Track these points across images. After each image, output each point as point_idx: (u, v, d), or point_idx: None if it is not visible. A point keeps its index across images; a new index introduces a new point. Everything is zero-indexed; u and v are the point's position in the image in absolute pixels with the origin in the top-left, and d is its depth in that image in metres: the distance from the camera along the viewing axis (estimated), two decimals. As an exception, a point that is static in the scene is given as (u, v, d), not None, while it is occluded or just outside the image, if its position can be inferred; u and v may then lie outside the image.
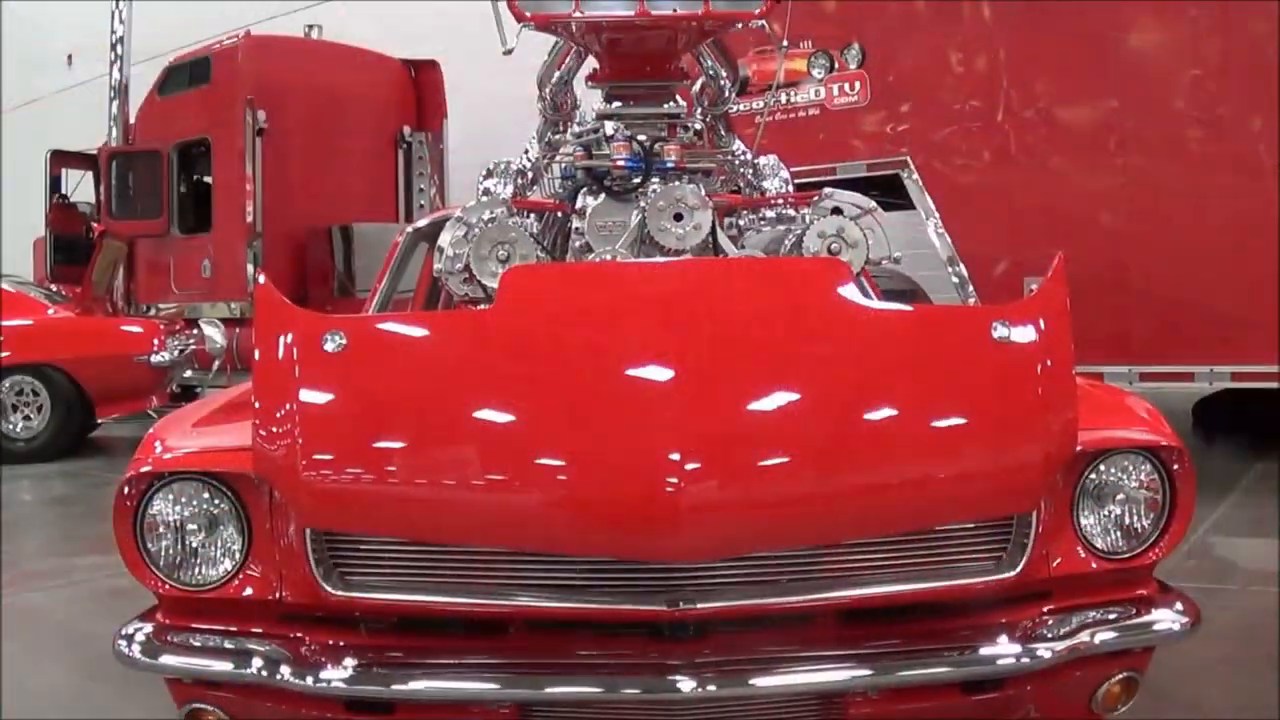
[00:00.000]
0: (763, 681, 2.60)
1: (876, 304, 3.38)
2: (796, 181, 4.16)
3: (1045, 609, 2.81)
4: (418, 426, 2.67)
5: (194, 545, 2.79)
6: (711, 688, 2.55)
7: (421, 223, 4.77)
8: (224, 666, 2.73)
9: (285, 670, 2.65)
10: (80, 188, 13.29)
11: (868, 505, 2.63)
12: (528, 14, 3.39)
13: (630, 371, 2.63)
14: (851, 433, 2.64)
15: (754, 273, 3.15)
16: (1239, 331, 6.76)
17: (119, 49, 12.58)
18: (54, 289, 11.74)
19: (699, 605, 2.59)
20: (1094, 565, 2.82)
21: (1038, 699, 2.77)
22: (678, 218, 3.53)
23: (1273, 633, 4.28)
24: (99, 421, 10.01)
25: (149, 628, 2.83)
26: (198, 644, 2.78)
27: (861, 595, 2.69)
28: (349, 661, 2.67)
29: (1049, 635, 2.72)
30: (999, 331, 2.70)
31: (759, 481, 2.54)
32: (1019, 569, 2.71)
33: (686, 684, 2.54)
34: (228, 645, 2.77)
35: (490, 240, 3.40)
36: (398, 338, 2.90)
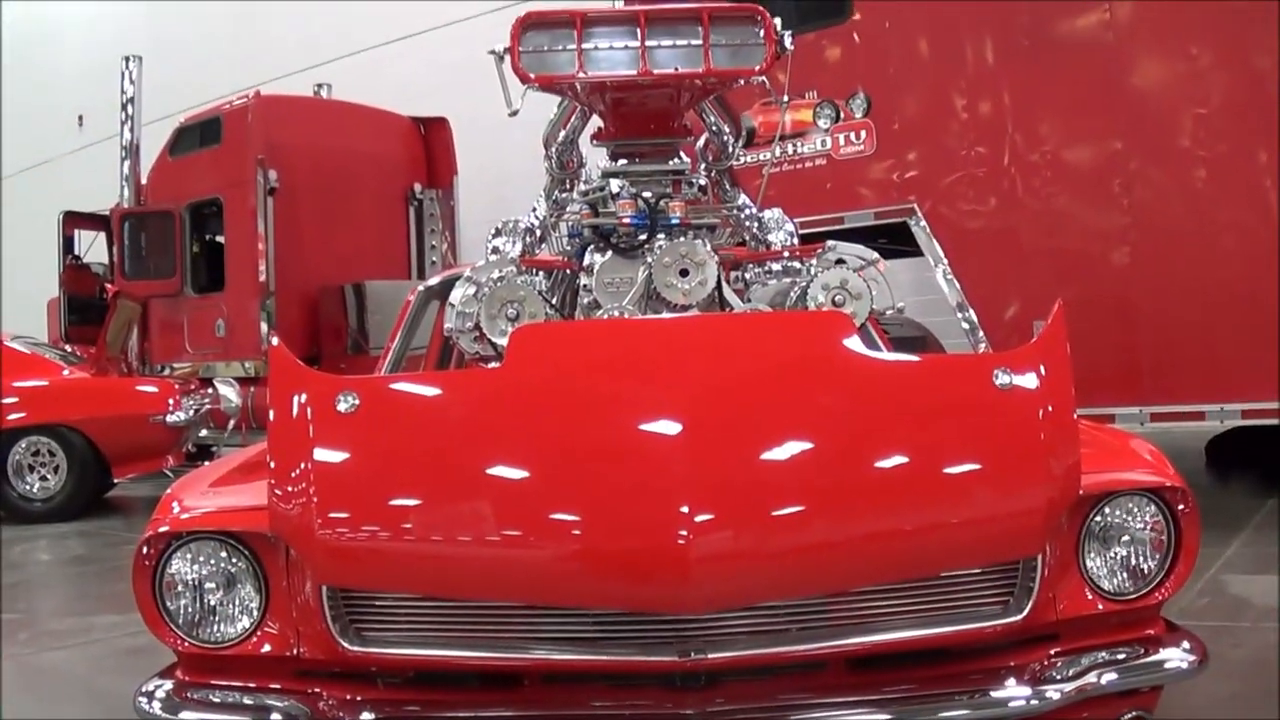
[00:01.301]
0: None
1: (880, 355, 3.41)
2: (804, 232, 4.18)
3: (1053, 651, 2.83)
4: (430, 484, 2.70)
5: (212, 604, 2.82)
6: None
7: (433, 281, 4.80)
8: (243, 722, 2.78)
9: (304, 725, 2.69)
10: (93, 248, 13.33)
11: (874, 553, 2.66)
12: (532, 76, 3.43)
13: (640, 426, 2.67)
14: (857, 483, 2.67)
15: (759, 327, 3.19)
16: (1249, 369, 6.74)
17: (129, 109, 12.61)
18: (69, 350, 11.76)
19: (710, 655, 2.62)
20: (1100, 607, 2.84)
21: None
22: (683, 273, 3.55)
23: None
24: (115, 481, 10.00)
25: (169, 684, 2.86)
26: (217, 700, 2.81)
27: (870, 642, 2.72)
28: (367, 716, 2.70)
29: (1058, 677, 2.74)
30: (1000, 379, 2.73)
31: (768, 533, 2.57)
32: (1025, 612, 2.73)
33: None
34: (247, 701, 2.80)
35: (500, 299, 3.42)
36: (408, 397, 2.95)
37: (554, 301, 3.77)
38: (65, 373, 10.13)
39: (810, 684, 2.76)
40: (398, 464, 2.73)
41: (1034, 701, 2.70)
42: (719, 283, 3.69)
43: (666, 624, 2.66)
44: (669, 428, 2.63)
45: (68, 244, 13.32)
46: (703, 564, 2.49)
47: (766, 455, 2.67)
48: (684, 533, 2.48)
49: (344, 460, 2.75)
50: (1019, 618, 2.74)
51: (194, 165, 12.19)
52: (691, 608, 2.59)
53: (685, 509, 2.50)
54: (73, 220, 13.36)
